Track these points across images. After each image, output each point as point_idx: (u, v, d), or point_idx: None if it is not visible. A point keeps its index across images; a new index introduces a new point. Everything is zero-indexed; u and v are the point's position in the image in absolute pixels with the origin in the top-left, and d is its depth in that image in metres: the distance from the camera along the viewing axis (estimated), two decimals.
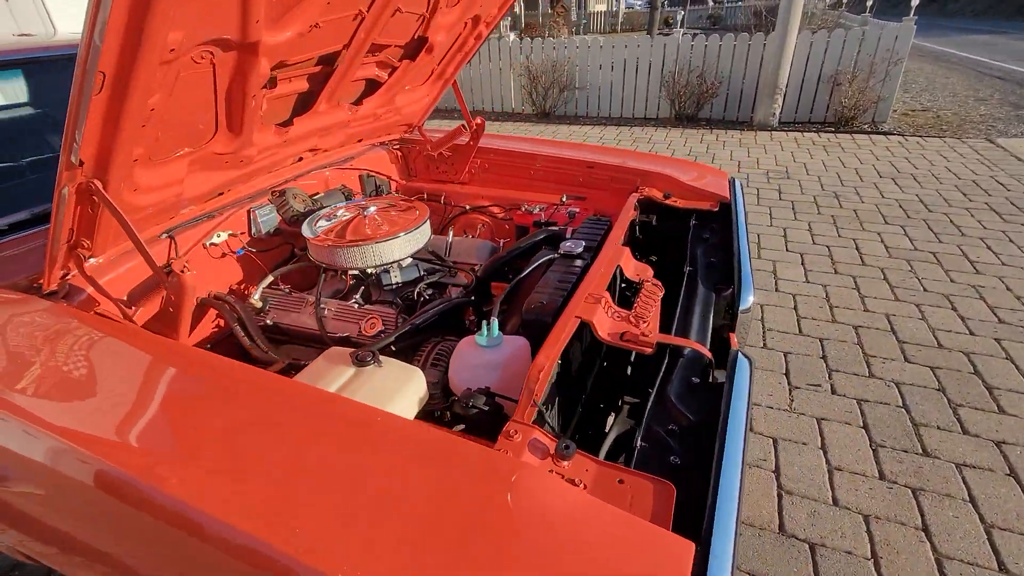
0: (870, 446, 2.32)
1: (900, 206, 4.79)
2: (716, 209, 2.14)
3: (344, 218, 1.83)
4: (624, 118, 8.71)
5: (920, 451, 2.28)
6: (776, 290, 3.55)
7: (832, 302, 3.39)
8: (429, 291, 1.73)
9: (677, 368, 1.34)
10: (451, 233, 2.18)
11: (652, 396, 1.21)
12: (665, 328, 1.56)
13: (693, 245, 2.01)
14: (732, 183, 2.36)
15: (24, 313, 1.18)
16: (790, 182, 5.49)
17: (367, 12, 1.48)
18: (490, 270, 1.82)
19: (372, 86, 2.01)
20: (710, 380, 1.32)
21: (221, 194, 1.68)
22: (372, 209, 1.87)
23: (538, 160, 2.50)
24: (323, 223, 1.81)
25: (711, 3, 28.35)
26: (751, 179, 5.60)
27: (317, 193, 2.23)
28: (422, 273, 1.83)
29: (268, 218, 1.93)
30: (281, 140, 1.68)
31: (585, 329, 1.32)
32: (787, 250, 4.09)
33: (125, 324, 1.11)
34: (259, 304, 1.80)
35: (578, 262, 1.62)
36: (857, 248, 4.06)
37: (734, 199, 2.19)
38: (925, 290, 3.47)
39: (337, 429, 0.88)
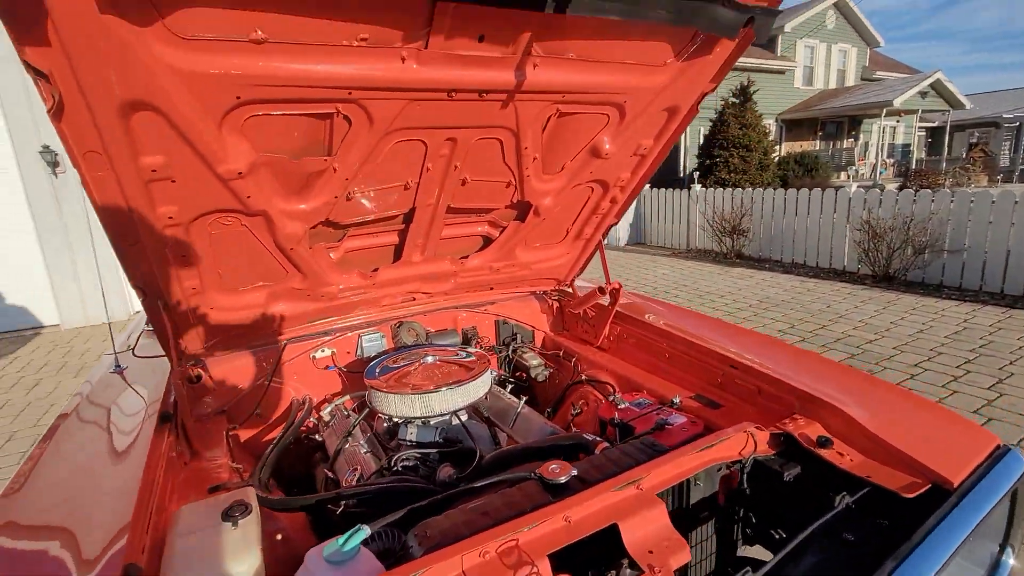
0: None
1: None
2: (910, 495, 1.21)
3: (405, 363, 1.88)
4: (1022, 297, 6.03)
5: None
6: None
7: None
8: (410, 462, 1.55)
9: None
10: (521, 403, 1.92)
11: None
12: None
13: (813, 542, 1.16)
14: (997, 456, 1.32)
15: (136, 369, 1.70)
16: None
17: (418, 183, 1.58)
18: (496, 461, 1.51)
19: (487, 240, 2.08)
20: None
21: (323, 319, 2.00)
22: (430, 359, 1.86)
23: (675, 343, 1.99)
24: (390, 364, 1.91)
25: None
26: None
27: (445, 330, 2.38)
28: (439, 439, 1.67)
29: (372, 345, 2.16)
30: (369, 283, 1.90)
31: None
32: None
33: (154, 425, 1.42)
34: (327, 419, 2.00)
35: (547, 497, 1.17)
36: None
37: (971, 489, 1.21)
38: None
39: None
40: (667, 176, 16.46)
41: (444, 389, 1.69)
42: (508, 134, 1.53)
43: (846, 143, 21.58)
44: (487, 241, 2.08)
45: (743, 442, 1.39)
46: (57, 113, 0.94)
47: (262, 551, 1.12)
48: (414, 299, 2.18)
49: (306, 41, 1.05)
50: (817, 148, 20.25)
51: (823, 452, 1.36)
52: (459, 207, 1.77)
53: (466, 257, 2.08)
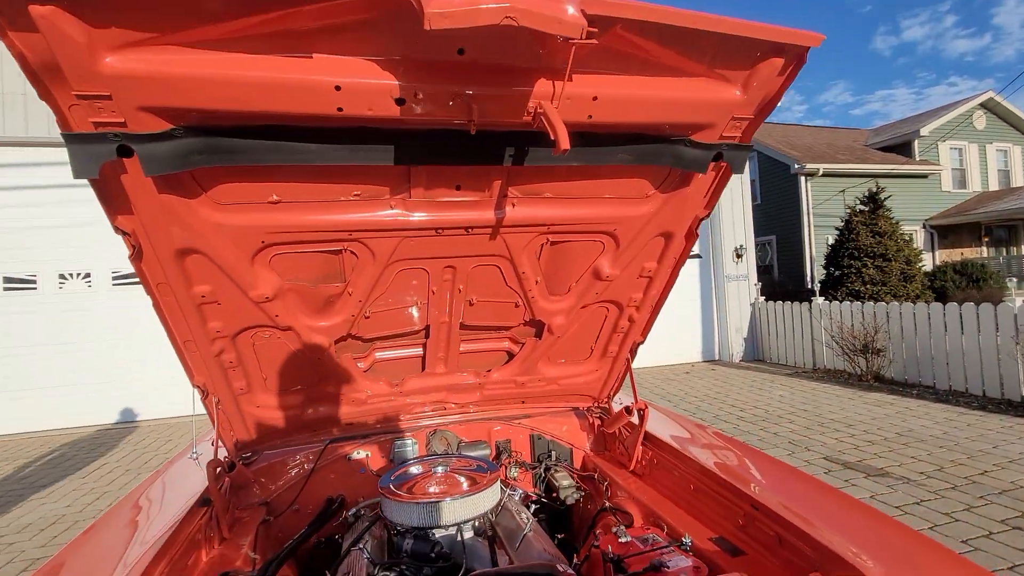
0: None
1: None
2: None
3: (419, 471, 1.96)
4: None
5: None
6: None
7: None
8: (392, 573, 1.55)
9: None
10: (529, 524, 1.85)
11: None
12: None
13: None
14: None
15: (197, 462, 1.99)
16: None
17: (427, 304, 1.78)
18: None
19: (511, 355, 2.18)
20: None
21: (357, 423, 2.19)
22: (440, 469, 1.92)
23: (699, 475, 1.83)
24: (404, 473, 2.00)
25: None
26: None
27: (477, 441, 2.43)
28: (432, 554, 1.67)
29: (402, 451, 2.28)
30: (396, 391, 2.08)
31: None
32: None
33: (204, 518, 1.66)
34: (351, 520, 2.10)
35: None
36: None
37: None
38: None
39: None
40: (793, 287, 15.28)
41: (447, 500, 1.73)
42: (504, 261, 1.70)
43: None
44: (511, 355, 2.18)
45: None
46: (136, 257, 1.32)
47: None
48: (445, 408, 2.30)
49: (311, 199, 1.36)
50: (984, 256, 17.55)
51: None
52: (472, 324, 1.93)
53: (490, 371, 2.19)
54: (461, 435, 2.42)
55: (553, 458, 2.46)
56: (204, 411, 1.86)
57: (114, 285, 7.65)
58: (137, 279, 1.42)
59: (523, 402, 2.42)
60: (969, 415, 6.13)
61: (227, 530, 1.79)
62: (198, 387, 1.74)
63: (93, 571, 1.35)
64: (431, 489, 1.82)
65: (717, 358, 10.80)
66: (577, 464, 2.51)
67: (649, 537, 1.67)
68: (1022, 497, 3.93)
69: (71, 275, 7.57)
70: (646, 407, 2.11)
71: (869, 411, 6.55)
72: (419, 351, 2.04)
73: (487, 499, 1.80)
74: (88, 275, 7.61)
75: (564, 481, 2.30)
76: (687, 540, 1.58)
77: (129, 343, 7.64)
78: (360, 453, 2.26)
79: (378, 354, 2.00)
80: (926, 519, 3.69)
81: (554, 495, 2.37)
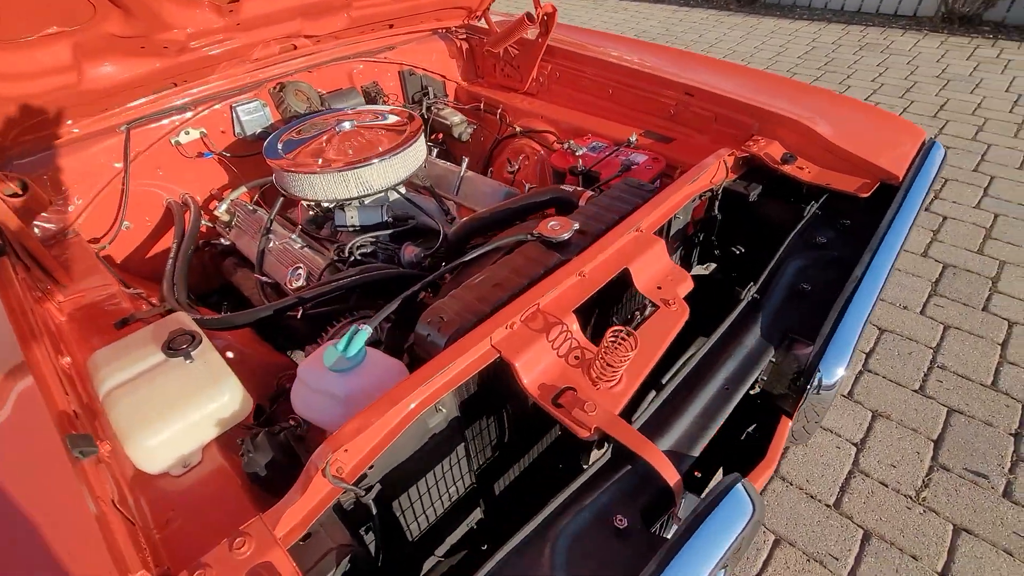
0: None
1: None
2: (866, 195, 1.30)
3: (313, 133, 1.47)
4: (862, 13, 6.47)
5: None
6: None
7: None
8: (368, 249, 1.33)
9: (608, 487, 0.81)
10: (464, 165, 1.69)
11: (519, 537, 0.73)
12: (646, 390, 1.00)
13: (792, 251, 1.26)
14: (927, 149, 1.43)
15: None
16: None
17: None
18: (465, 232, 1.35)
19: None
20: (654, 528, 0.78)
21: (175, 85, 1.42)
22: (347, 125, 1.47)
23: (621, 75, 1.78)
24: (294, 137, 1.48)
25: None
26: None
27: (341, 90, 1.88)
28: (387, 218, 1.43)
29: (254, 117, 1.66)
30: (232, 23, 1.32)
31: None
32: None
33: None
34: (226, 218, 1.61)
35: (555, 256, 1.07)
36: None
37: (912, 182, 1.32)
38: None
39: None
40: None
41: (377, 161, 1.38)
42: None
43: None
44: None
45: (716, 171, 1.36)
46: None
47: None
48: (295, 47, 1.62)
49: None
50: None
51: (787, 168, 1.38)
52: None
53: None
54: (316, 86, 1.82)
55: (432, 96, 2.11)
56: None
57: None
58: None
59: (391, 25, 1.83)
60: (680, 11, 7.20)
61: (64, 275, 1.19)
62: None
63: None
64: (349, 152, 1.41)
65: None
66: (451, 98, 2.22)
67: (596, 145, 1.68)
68: None
69: None
70: (554, 11, 1.80)
71: (611, 18, 7.15)
72: None
73: (422, 147, 1.51)
74: None
75: (454, 118, 2.05)
76: (633, 138, 1.63)
77: None
78: (190, 132, 1.56)
79: None
80: None
81: (436, 136, 2.14)
